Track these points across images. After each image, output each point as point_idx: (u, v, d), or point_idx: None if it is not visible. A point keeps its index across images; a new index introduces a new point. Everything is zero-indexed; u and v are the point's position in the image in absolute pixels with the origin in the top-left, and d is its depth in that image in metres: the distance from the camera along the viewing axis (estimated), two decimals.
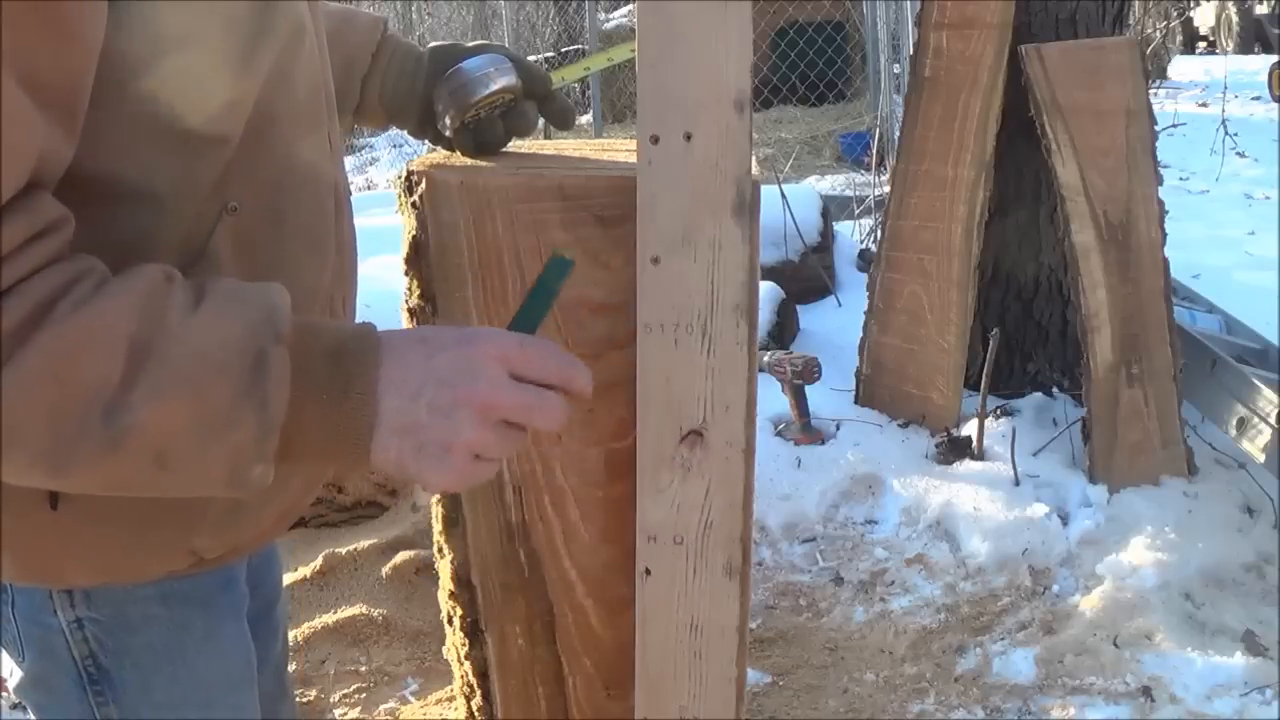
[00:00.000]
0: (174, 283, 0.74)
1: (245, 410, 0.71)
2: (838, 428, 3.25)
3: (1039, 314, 3.37)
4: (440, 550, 1.16)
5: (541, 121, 1.16)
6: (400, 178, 1.04)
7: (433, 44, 1.17)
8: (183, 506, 0.89)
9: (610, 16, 10.31)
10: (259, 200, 0.88)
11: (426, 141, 1.18)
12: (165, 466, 0.71)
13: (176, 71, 0.78)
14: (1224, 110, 7.78)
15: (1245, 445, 2.91)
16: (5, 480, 0.72)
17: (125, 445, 0.69)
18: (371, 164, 8.98)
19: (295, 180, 0.92)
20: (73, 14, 0.69)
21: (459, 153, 1.11)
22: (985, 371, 3.02)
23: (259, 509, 0.97)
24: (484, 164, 1.07)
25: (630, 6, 10.35)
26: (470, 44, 1.14)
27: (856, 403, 3.38)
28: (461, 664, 1.20)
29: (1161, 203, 2.97)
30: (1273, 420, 2.80)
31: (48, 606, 0.94)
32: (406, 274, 1.04)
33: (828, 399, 3.35)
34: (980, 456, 3.01)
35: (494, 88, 1.07)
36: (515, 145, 1.14)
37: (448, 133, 1.10)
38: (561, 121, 1.17)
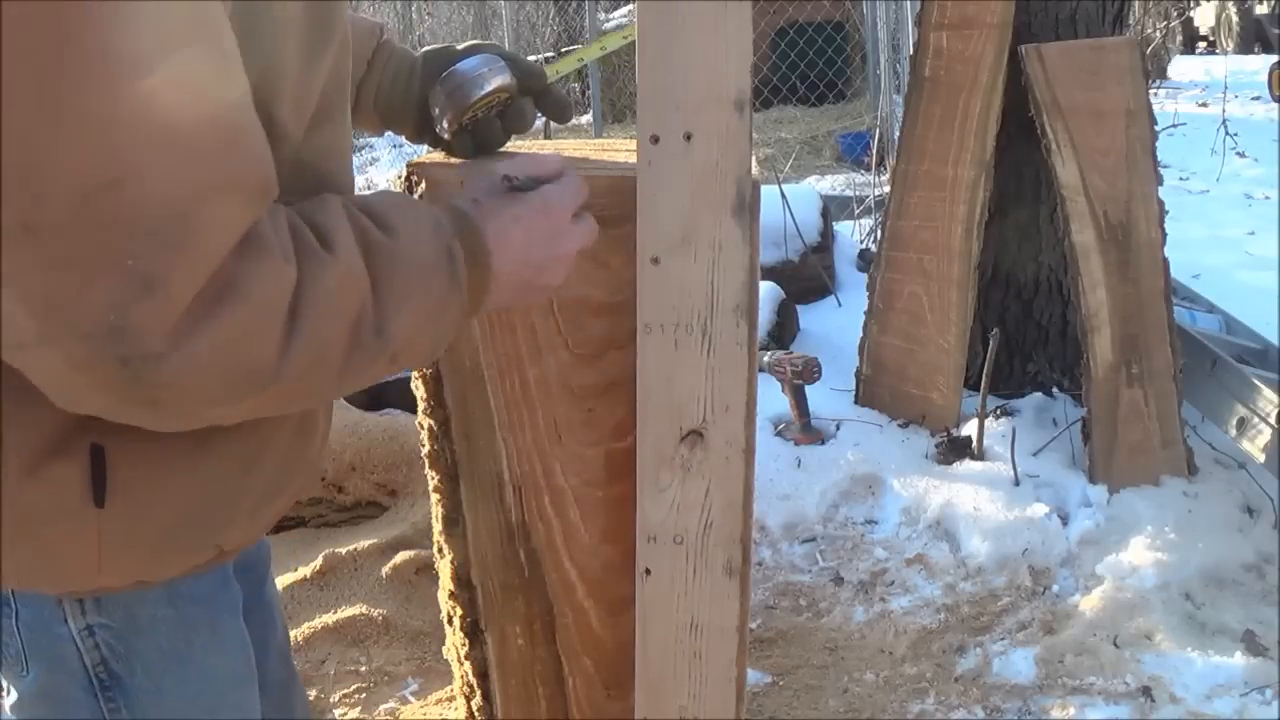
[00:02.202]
0: (352, 209, 0.84)
1: (452, 297, 0.86)
2: (838, 428, 3.25)
3: (1039, 314, 3.37)
4: (440, 550, 1.16)
5: (541, 121, 1.16)
6: (400, 177, 1.04)
7: (425, 48, 1.16)
8: (224, 499, 0.92)
9: (610, 16, 10.31)
10: (295, 197, 0.89)
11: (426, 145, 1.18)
12: (396, 360, 0.85)
13: (264, 69, 0.81)
14: (1224, 110, 7.79)
15: (1245, 445, 2.91)
16: (292, 408, 0.87)
17: (388, 352, 0.83)
18: (372, 164, 8.98)
19: (331, 176, 0.95)
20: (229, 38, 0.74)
21: (459, 155, 1.11)
22: (985, 371, 3.02)
23: (277, 498, 0.99)
24: None
25: (630, 6, 10.34)
26: (462, 45, 1.13)
27: (856, 403, 3.38)
28: (461, 664, 1.20)
29: (1161, 203, 2.97)
30: (1273, 420, 2.80)
31: (57, 615, 0.93)
32: None
33: (828, 399, 3.35)
34: (980, 456, 3.01)
35: (490, 88, 1.06)
36: (515, 145, 1.14)
37: (446, 136, 1.09)
38: (559, 114, 1.16)
